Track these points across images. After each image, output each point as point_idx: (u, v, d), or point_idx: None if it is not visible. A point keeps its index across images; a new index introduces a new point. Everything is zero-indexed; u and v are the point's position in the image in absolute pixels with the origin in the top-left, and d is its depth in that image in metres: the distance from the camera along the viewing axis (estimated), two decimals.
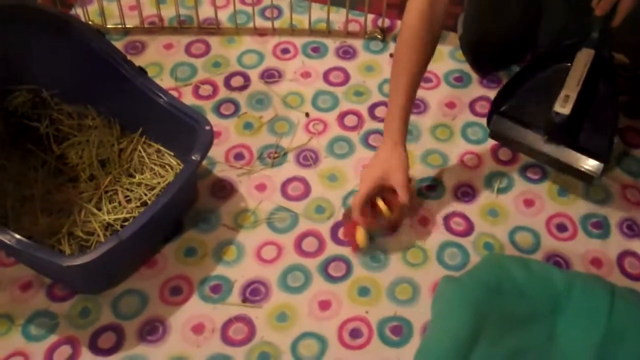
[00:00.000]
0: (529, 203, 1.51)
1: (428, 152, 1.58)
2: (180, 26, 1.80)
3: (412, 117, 1.62)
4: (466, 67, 1.73)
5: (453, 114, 1.65)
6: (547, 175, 1.54)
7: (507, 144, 1.55)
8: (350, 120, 1.64)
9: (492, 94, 1.60)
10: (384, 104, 1.66)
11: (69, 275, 1.33)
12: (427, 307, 1.33)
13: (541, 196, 1.51)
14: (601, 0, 1.30)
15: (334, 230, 1.46)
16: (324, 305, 1.36)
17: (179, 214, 1.46)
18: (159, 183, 1.47)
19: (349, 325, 1.34)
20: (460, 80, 1.72)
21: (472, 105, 1.67)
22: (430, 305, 1.33)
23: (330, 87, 1.70)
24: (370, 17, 1.82)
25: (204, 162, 1.53)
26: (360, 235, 1.38)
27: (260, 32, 1.81)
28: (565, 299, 1.28)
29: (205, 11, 1.83)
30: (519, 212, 1.49)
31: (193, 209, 1.48)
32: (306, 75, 1.73)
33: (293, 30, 1.81)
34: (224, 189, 1.52)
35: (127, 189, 1.47)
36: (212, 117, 1.61)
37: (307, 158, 1.57)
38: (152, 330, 1.32)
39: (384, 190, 1.38)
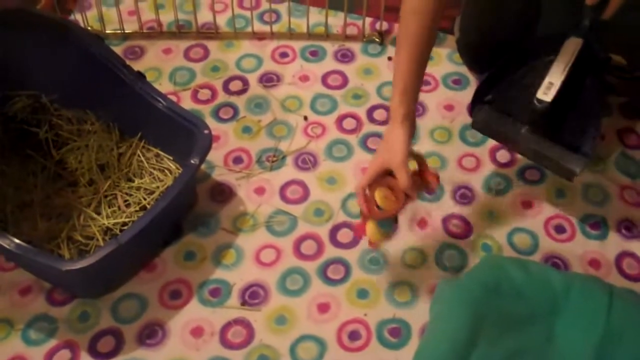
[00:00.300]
0: (527, 205, 1.51)
1: (427, 155, 1.58)
2: (179, 31, 1.81)
3: None
4: (464, 70, 1.73)
5: (451, 116, 1.66)
6: (545, 177, 1.54)
7: (490, 135, 1.52)
8: (349, 123, 1.64)
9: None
10: (383, 107, 1.67)
11: (68, 280, 1.33)
12: (425, 309, 1.33)
13: (539, 198, 1.52)
14: None
15: (332, 233, 1.46)
16: (323, 308, 1.36)
17: (178, 218, 1.47)
18: (158, 187, 1.48)
19: (347, 327, 1.34)
20: (458, 83, 1.72)
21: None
22: (428, 307, 1.33)
23: (328, 90, 1.71)
24: (369, 20, 1.82)
25: (203, 166, 1.53)
26: (370, 229, 1.28)
27: (259, 37, 1.81)
28: (563, 300, 1.28)
29: (204, 16, 1.83)
30: (517, 214, 1.49)
31: (192, 213, 1.49)
32: (305, 78, 1.73)
33: (291, 34, 1.82)
34: (223, 193, 1.52)
35: (126, 194, 1.48)
36: (211, 121, 1.62)
37: (306, 161, 1.58)
38: (152, 334, 1.32)
39: (388, 175, 1.28)
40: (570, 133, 1.38)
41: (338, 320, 1.35)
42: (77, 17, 1.80)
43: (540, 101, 1.33)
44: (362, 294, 1.38)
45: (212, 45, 1.80)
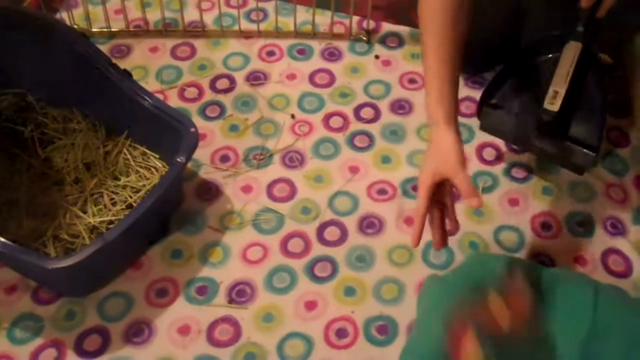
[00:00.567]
0: (513, 202, 1.51)
1: (414, 152, 1.58)
2: (166, 29, 1.81)
3: (398, 118, 1.64)
4: None
5: None
6: (531, 175, 1.55)
7: (499, 136, 1.55)
8: (336, 121, 1.65)
9: (476, 94, 1.61)
10: (370, 105, 1.67)
11: (54, 278, 1.33)
12: (412, 306, 1.34)
13: (526, 195, 1.52)
14: None
15: (319, 230, 1.46)
16: (310, 305, 1.36)
17: (164, 216, 1.46)
18: (144, 185, 1.47)
19: (334, 325, 1.34)
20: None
21: None
22: (415, 304, 1.33)
23: (315, 88, 1.71)
24: (356, 19, 1.82)
25: (190, 165, 1.53)
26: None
27: (246, 35, 1.81)
28: (549, 296, 1.28)
29: (191, 14, 1.83)
30: (504, 211, 1.50)
31: (179, 211, 1.48)
32: (292, 77, 1.73)
33: (278, 33, 1.81)
34: (210, 191, 1.52)
35: (113, 192, 1.47)
36: (197, 120, 1.61)
37: (293, 159, 1.58)
38: (138, 332, 1.32)
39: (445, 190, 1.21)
40: (577, 129, 1.41)
41: (325, 317, 1.35)
42: (63, 15, 1.79)
43: (547, 111, 1.35)
44: (349, 291, 1.38)
45: (198, 43, 1.79)
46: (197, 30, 1.81)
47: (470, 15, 1.27)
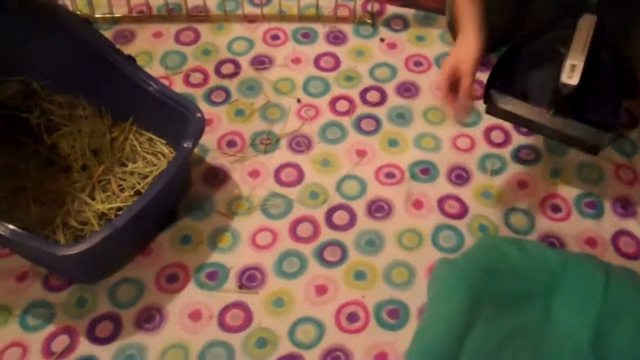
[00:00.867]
0: (522, 184, 1.51)
1: (421, 136, 1.58)
2: (169, 14, 1.80)
3: (404, 101, 1.64)
4: None
5: None
6: (540, 157, 1.55)
7: (507, 120, 1.47)
8: (342, 105, 1.64)
9: (483, 76, 1.59)
10: (375, 88, 1.67)
11: (64, 265, 1.32)
12: (423, 289, 1.34)
13: (535, 177, 1.52)
14: None
15: (328, 215, 1.46)
16: (321, 290, 1.36)
17: (172, 202, 1.46)
18: (151, 171, 1.47)
19: (345, 309, 1.34)
20: None
21: None
22: (426, 287, 1.33)
23: (321, 72, 1.70)
24: (360, 1, 1.81)
25: (197, 150, 1.53)
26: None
27: (250, 19, 1.80)
28: (560, 278, 1.28)
29: None
30: (513, 194, 1.49)
31: (187, 197, 1.48)
32: (297, 61, 1.72)
33: (282, 16, 1.80)
34: (217, 176, 1.51)
35: (120, 178, 1.46)
36: (203, 105, 1.61)
37: (300, 144, 1.57)
38: (149, 318, 1.32)
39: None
40: (592, 108, 1.36)
41: (336, 302, 1.35)
42: (66, 1, 1.78)
43: (565, 85, 1.31)
44: (360, 275, 1.38)
45: (202, 28, 1.78)
46: (201, 15, 1.80)
47: None
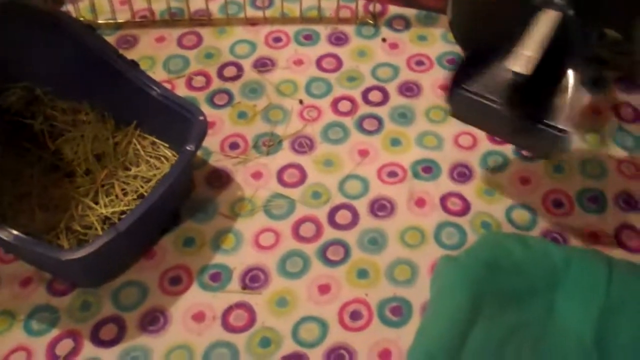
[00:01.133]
0: (524, 181, 1.51)
1: (423, 134, 1.58)
2: (172, 19, 1.81)
3: (406, 101, 1.64)
4: (458, 49, 1.72)
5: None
6: None
7: (468, 121, 1.42)
8: (344, 105, 1.64)
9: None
10: (378, 88, 1.67)
11: (68, 270, 1.33)
12: (426, 287, 1.34)
13: (537, 173, 1.52)
14: None
15: (330, 214, 1.46)
16: (324, 289, 1.36)
17: (175, 204, 1.47)
18: (155, 175, 1.48)
19: (349, 307, 1.34)
20: (453, 63, 1.72)
21: None
22: (429, 284, 1.34)
23: (323, 73, 1.71)
24: (362, 2, 1.82)
25: (200, 153, 1.53)
26: None
27: (252, 22, 1.81)
28: (563, 274, 1.28)
29: (196, 3, 1.82)
30: (515, 190, 1.49)
31: (190, 200, 1.48)
32: (299, 62, 1.73)
33: (284, 19, 1.81)
34: (220, 179, 1.52)
35: (124, 182, 1.47)
36: (206, 108, 1.62)
37: (302, 145, 1.57)
38: (153, 321, 1.33)
39: None
40: (547, 111, 1.26)
41: (339, 301, 1.35)
42: (68, 7, 1.79)
43: (512, 73, 1.20)
44: (362, 274, 1.38)
45: (205, 32, 1.79)
46: (203, 19, 1.81)
47: None
